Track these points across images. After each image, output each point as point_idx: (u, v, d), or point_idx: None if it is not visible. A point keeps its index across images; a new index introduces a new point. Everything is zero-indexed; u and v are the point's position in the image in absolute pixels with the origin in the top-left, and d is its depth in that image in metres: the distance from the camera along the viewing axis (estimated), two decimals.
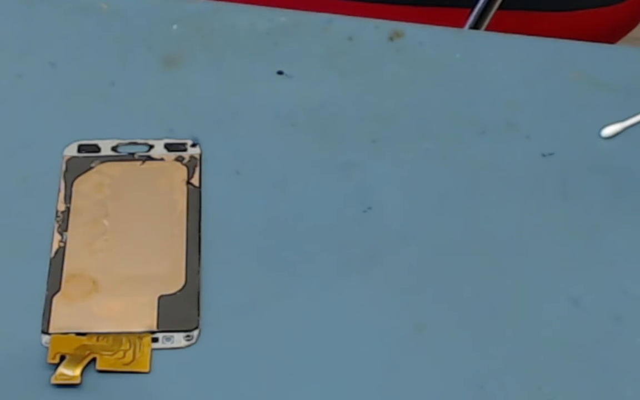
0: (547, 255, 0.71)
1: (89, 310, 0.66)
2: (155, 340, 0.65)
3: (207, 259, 0.69)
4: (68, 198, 0.72)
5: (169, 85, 0.80)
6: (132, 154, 0.75)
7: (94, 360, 0.64)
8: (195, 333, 0.66)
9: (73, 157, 0.74)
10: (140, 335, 0.65)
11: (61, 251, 0.69)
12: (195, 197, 0.72)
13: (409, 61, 0.82)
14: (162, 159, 0.75)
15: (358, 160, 0.75)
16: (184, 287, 0.68)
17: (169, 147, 0.75)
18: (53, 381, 0.63)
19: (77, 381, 0.63)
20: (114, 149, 0.75)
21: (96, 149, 0.75)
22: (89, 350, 0.64)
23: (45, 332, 0.65)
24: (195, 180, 0.73)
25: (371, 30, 0.84)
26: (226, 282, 0.68)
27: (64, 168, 0.74)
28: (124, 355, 0.64)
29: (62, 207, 0.72)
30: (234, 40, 0.83)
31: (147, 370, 0.64)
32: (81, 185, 0.73)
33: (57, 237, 0.70)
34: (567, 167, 0.75)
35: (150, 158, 0.75)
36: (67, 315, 0.66)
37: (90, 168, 0.74)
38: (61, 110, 0.78)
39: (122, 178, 0.73)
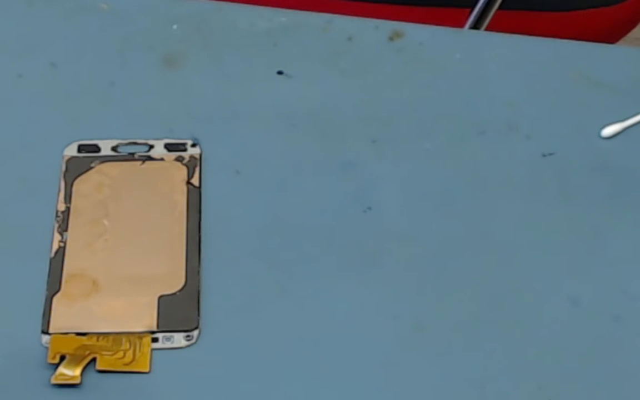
0: (547, 255, 0.71)
1: (89, 310, 0.66)
2: (155, 340, 0.65)
3: (207, 259, 0.69)
4: (68, 198, 0.72)
5: (169, 85, 0.80)
6: (132, 154, 0.75)
7: (94, 360, 0.64)
8: (195, 333, 0.66)
9: (73, 157, 0.74)
10: (140, 335, 0.65)
11: (61, 251, 0.69)
12: (195, 197, 0.72)
13: (409, 61, 0.82)
14: (162, 159, 0.75)
15: (358, 160, 0.75)
16: (184, 287, 0.68)
17: (169, 147, 0.75)
18: (53, 381, 0.63)
19: (77, 381, 0.63)
20: (114, 149, 0.75)
21: (96, 149, 0.75)
22: (89, 350, 0.64)
23: (45, 332, 0.65)
24: (195, 180, 0.73)
25: (371, 30, 0.84)
26: (226, 282, 0.68)
27: (64, 168, 0.74)
28: (124, 355, 0.64)
29: (62, 207, 0.72)
30: (234, 40, 0.83)
31: (147, 370, 0.64)
32: (81, 185, 0.73)
33: (57, 237, 0.70)
34: (567, 167, 0.75)
35: (150, 158, 0.75)
36: (67, 315, 0.66)
37: (90, 168, 0.74)
38: (61, 110, 0.78)
39: (122, 178, 0.73)
